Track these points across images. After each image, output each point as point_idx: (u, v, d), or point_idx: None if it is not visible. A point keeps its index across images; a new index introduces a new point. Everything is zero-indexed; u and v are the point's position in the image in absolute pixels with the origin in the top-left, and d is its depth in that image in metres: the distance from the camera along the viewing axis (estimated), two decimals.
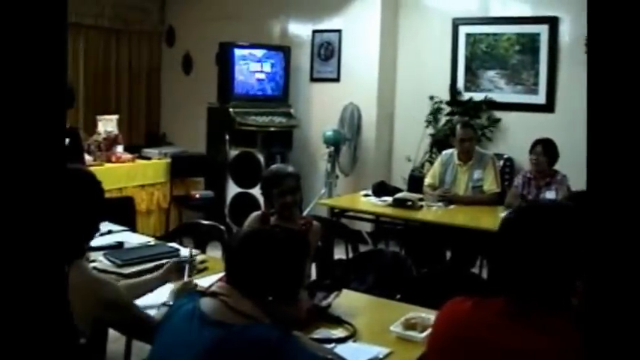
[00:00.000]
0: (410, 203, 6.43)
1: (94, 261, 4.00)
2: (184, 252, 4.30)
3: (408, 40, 9.15)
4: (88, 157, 7.08)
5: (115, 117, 8.44)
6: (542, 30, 8.08)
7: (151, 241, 4.81)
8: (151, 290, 3.60)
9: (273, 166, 4.59)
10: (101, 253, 4.16)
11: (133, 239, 4.74)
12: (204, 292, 2.57)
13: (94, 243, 4.27)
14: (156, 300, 3.25)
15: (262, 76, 9.18)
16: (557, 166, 6.34)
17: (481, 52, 8.63)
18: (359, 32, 9.15)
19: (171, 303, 3.19)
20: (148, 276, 3.63)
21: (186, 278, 3.53)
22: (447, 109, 8.74)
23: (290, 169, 4.35)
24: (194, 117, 9.94)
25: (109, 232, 4.85)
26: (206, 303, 2.46)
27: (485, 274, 5.68)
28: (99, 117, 8.37)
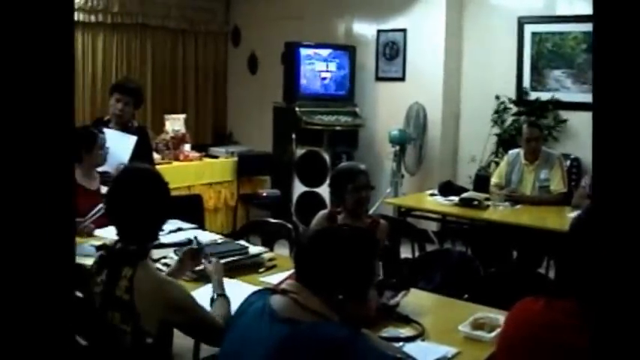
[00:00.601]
0: (476, 203, 6.39)
1: (164, 257, 4.06)
2: (253, 249, 4.35)
3: (473, 39, 9.09)
4: (156, 156, 7.18)
5: (182, 116, 8.57)
6: None
7: (220, 238, 4.86)
8: None
9: (345, 163, 4.64)
10: (171, 249, 4.22)
11: (202, 237, 4.79)
12: (275, 290, 2.60)
13: (165, 240, 4.35)
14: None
15: (328, 75, 9.21)
16: None
17: (547, 51, 8.53)
18: (424, 31, 9.12)
19: (218, 293, 3.23)
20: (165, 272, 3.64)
21: (205, 263, 3.52)
22: (513, 108, 8.66)
23: (362, 166, 4.40)
24: (260, 116, 10.03)
25: (179, 229, 4.92)
26: (276, 300, 2.48)
27: (552, 275, 5.63)
28: (167, 116, 8.50)
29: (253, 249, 4.37)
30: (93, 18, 9.20)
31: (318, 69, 9.15)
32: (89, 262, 3.20)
